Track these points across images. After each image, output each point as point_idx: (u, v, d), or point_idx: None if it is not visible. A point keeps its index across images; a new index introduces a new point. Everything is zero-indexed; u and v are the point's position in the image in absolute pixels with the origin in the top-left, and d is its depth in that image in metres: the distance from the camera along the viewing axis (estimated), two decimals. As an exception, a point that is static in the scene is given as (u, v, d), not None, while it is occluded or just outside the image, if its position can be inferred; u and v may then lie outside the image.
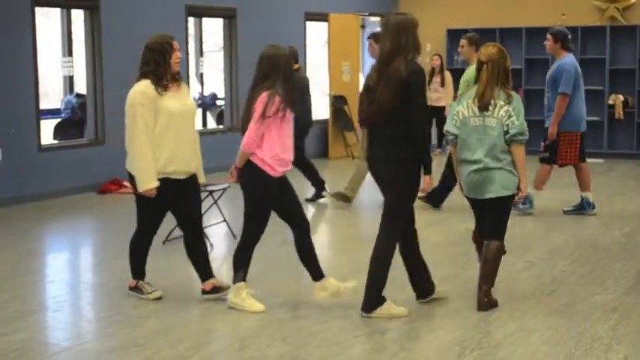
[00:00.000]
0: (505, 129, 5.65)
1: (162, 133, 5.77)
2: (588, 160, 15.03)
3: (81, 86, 12.83)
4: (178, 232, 7.92)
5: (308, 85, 9.82)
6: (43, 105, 11.77)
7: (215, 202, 8.16)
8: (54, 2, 11.13)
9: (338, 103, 14.71)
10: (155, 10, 11.69)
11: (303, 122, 9.34)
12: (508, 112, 5.65)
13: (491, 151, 5.68)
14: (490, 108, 5.68)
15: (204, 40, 14.43)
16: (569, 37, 9.00)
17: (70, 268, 7.57)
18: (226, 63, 13.16)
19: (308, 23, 14.43)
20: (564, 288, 6.36)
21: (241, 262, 5.82)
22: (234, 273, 5.83)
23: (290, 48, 9.78)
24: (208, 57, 14.85)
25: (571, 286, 6.42)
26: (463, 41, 9.46)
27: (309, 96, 9.83)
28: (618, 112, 14.10)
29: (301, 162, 9.58)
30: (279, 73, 5.65)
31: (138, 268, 6.17)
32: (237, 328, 5.51)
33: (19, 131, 10.13)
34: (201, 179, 6.10)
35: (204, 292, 6.09)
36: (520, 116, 5.68)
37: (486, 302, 5.75)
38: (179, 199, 5.96)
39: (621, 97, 14.15)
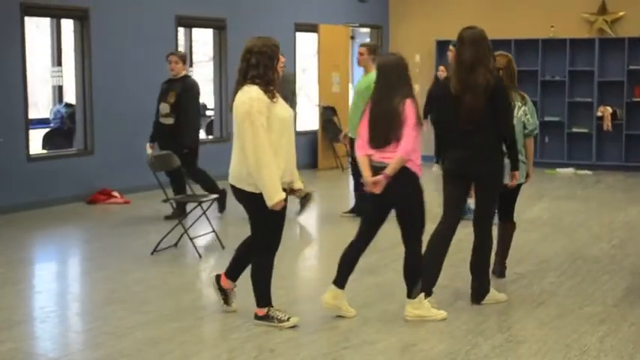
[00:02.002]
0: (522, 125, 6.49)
1: (278, 141, 5.36)
2: (577, 171, 15.11)
3: (70, 96, 12.81)
4: (166, 243, 7.94)
5: (199, 91, 9.75)
6: (32, 114, 11.75)
7: (204, 212, 8.14)
8: (44, 12, 11.10)
9: (327, 113, 14.71)
10: (145, 21, 11.69)
11: (196, 127, 9.60)
12: (525, 112, 6.49)
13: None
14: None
15: (194, 50, 14.44)
16: None
17: (57, 279, 7.54)
18: (216, 73, 13.15)
19: (298, 34, 14.44)
20: (553, 299, 6.37)
21: (420, 271, 5.71)
22: (413, 285, 5.70)
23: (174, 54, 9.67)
24: (198, 67, 14.84)
25: (560, 297, 6.43)
26: (362, 49, 9.34)
27: (198, 102, 9.84)
28: (607, 124, 14.13)
29: (194, 171, 9.49)
30: (408, 80, 5.66)
31: (268, 294, 5.65)
32: (225, 339, 5.49)
33: (7, 141, 10.09)
34: (297, 184, 5.66)
35: (219, 282, 5.92)
36: (534, 115, 6.56)
37: (501, 269, 6.88)
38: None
39: (610, 109, 14.18)
